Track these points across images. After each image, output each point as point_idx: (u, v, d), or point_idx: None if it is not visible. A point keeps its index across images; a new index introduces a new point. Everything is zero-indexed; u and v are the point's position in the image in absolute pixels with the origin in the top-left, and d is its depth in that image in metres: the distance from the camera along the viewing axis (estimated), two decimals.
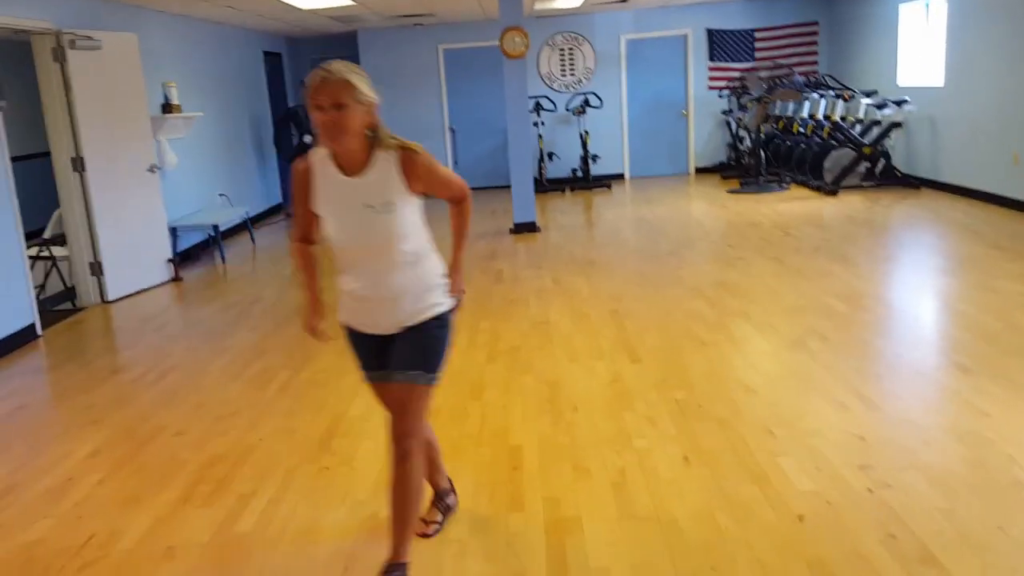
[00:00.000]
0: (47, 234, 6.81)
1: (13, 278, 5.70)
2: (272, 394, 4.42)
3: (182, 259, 8.01)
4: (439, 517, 2.94)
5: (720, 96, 12.32)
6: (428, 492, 3.04)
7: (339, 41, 12.60)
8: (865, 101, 10.02)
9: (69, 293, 6.82)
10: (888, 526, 2.75)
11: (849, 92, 10.31)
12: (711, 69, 12.42)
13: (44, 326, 5.97)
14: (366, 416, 4.02)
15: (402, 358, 2.50)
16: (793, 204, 9.30)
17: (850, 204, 9.03)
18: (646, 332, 5.04)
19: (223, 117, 9.91)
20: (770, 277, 6.13)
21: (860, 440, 3.38)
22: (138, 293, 7.03)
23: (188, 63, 8.95)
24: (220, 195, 9.52)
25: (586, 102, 12.03)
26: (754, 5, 12.14)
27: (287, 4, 8.47)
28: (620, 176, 12.68)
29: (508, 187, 8.67)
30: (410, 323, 2.50)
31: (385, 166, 2.38)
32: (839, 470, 3.14)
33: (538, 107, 11.88)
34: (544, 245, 7.98)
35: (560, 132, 12.37)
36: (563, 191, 11.78)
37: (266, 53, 11.70)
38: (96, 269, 6.71)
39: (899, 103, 9.52)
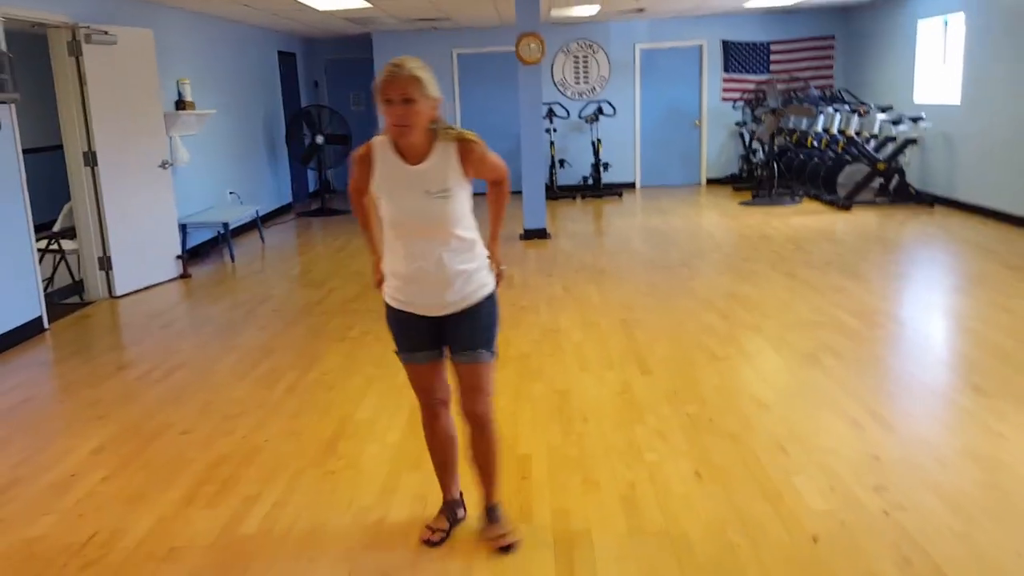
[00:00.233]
0: (57, 227, 6.80)
1: (22, 270, 5.68)
2: (279, 394, 4.38)
3: (191, 256, 7.99)
4: (446, 525, 2.90)
5: (734, 108, 12.28)
6: (438, 498, 3.01)
7: (354, 43, 12.60)
8: (880, 116, 9.97)
9: (77, 287, 6.80)
10: (903, 549, 2.70)
11: (864, 107, 10.25)
12: (725, 80, 12.38)
13: (51, 319, 5.95)
14: (373, 419, 3.98)
15: (464, 340, 2.66)
16: (806, 218, 9.24)
17: (863, 220, 8.97)
18: (657, 343, 4.99)
19: (236, 115, 9.91)
20: (782, 291, 6.08)
21: (875, 460, 3.33)
22: (146, 289, 7.01)
23: (203, 60, 8.95)
24: (230, 193, 9.51)
25: (599, 110, 12.00)
26: (770, 18, 12.10)
27: (303, 4, 8.47)
28: (631, 185, 12.64)
29: (519, 192, 8.64)
30: (464, 304, 2.63)
31: (444, 155, 2.53)
32: (853, 490, 3.09)
33: (551, 114, 11.86)
34: (554, 252, 7.94)
35: (572, 139, 12.34)
36: (574, 198, 11.74)
37: (281, 53, 11.71)
38: (105, 263, 6.69)
39: (915, 119, 9.47)
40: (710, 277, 6.68)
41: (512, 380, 4.43)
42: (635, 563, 2.68)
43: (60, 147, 6.60)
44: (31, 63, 7.77)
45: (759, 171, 11.53)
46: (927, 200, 9.65)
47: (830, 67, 12.24)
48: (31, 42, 7.95)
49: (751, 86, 12.18)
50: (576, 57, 12.36)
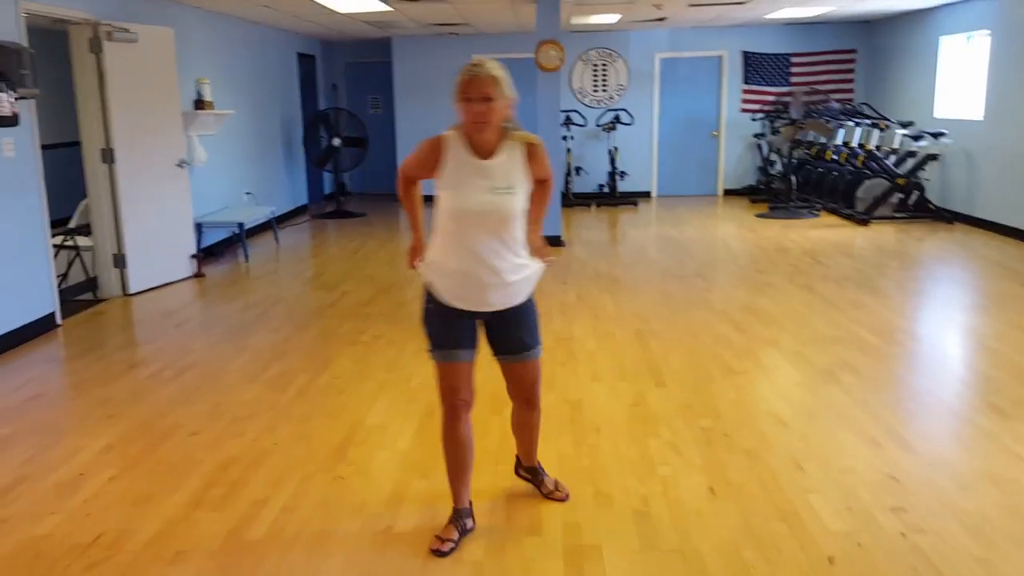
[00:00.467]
0: (73, 223, 6.81)
1: (37, 266, 5.68)
2: (290, 397, 4.35)
3: (205, 255, 7.98)
4: (455, 535, 2.85)
5: (753, 119, 12.20)
6: (447, 508, 2.97)
7: (373, 46, 12.62)
8: (901, 132, 9.88)
9: (91, 284, 6.81)
10: (921, 574, 2.63)
11: (885, 122, 10.17)
12: (745, 92, 12.31)
13: (64, 316, 5.95)
14: (384, 425, 3.94)
15: (519, 341, 2.84)
16: (823, 231, 9.16)
17: (882, 235, 8.89)
18: (672, 355, 4.94)
19: (254, 116, 9.92)
20: (800, 305, 6.01)
21: (893, 480, 3.26)
22: (160, 287, 7.01)
23: (222, 60, 8.97)
24: (246, 193, 9.51)
25: (617, 119, 11.96)
26: (792, 29, 12.03)
27: (324, 7, 8.47)
28: (647, 194, 12.58)
29: None
30: (514, 302, 2.76)
31: (512, 154, 2.68)
32: (871, 511, 3.03)
33: (568, 121, 11.82)
34: (569, 260, 7.90)
35: (589, 147, 12.30)
36: (589, 206, 11.70)
37: (300, 55, 11.73)
38: (119, 261, 6.69)
39: (936, 135, 9.37)
40: (726, 289, 6.62)
41: None
42: None
43: (78, 143, 6.61)
44: (51, 59, 7.81)
45: (776, 183, 11.46)
46: (947, 216, 9.55)
47: (851, 80, 12.15)
48: (51, 38, 7.98)
49: (771, 98, 12.11)
50: (595, 65, 12.33)
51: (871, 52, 11.92)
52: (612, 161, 11.90)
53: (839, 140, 10.52)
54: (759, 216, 10.39)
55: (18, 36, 5.44)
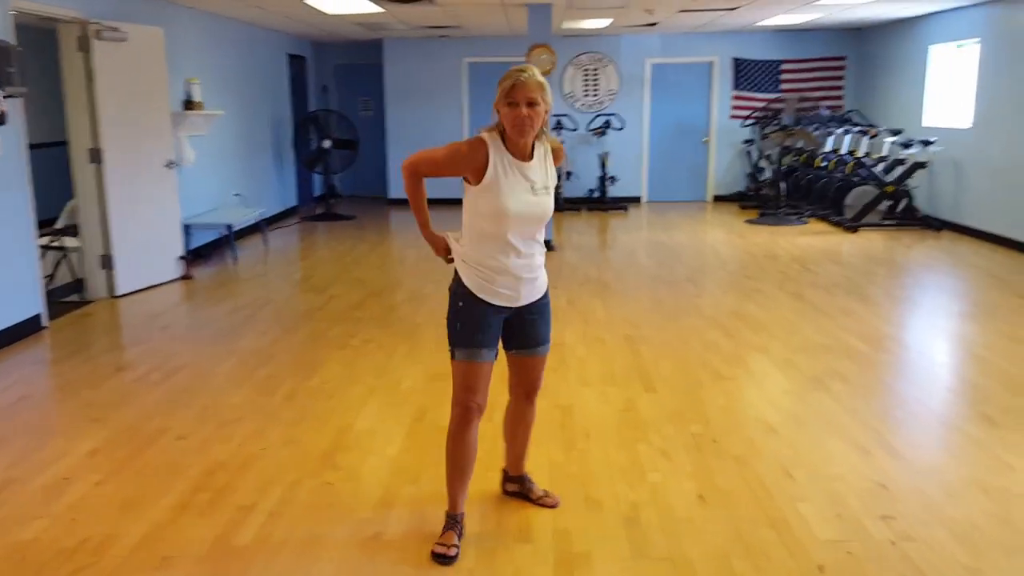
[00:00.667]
0: (59, 224, 6.75)
1: (23, 267, 5.63)
2: (278, 402, 4.32)
3: (194, 257, 7.94)
4: (456, 540, 2.84)
5: (743, 126, 12.24)
6: (437, 513, 2.95)
7: (364, 48, 12.59)
8: (890, 139, 9.93)
9: (77, 285, 6.75)
10: None
11: (874, 129, 10.22)
12: (735, 98, 12.35)
13: (51, 317, 5.90)
14: (373, 430, 3.92)
15: (539, 335, 2.95)
16: (812, 238, 9.20)
17: (870, 242, 8.93)
18: (661, 361, 4.93)
19: (244, 117, 9.88)
20: (789, 312, 6.03)
21: (882, 488, 3.27)
22: (147, 289, 6.96)
23: (212, 61, 8.93)
24: (235, 195, 9.46)
25: (607, 123, 11.97)
26: (782, 36, 12.08)
27: (314, 8, 8.45)
28: (637, 199, 12.60)
29: None
30: (536, 296, 2.88)
31: (543, 156, 2.80)
32: (861, 519, 3.03)
33: (559, 126, 11.83)
34: (559, 264, 7.89)
35: (579, 152, 12.30)
36: (579, 211, 11.70)
37: (290, 56, 11.69)
38: (106, 262, 6.64)
39: (924, 143, 9.42)
40: (716, 295, 6.62)
41: None
42: None
43: (65, 143, 6.56)
44: (39, 57, 7.76)
45: (766, 190, 11.50)
46: (935, 224, 9.60)
47: (841, 88, 12.21)
48: (39, 36, 7.92)
49: (760, 104, 12.15)
50: (586, 70, 12.34)
51: (861, 60, 11.98)
52: (603, 166, 11.91)
53: (828, 147, 10.56)
54: (748, 222, 10.42)
55: (5, 34, 5.40)
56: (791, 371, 4.74)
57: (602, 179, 11.94)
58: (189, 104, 8.11)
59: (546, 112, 2.72)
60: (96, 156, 6.48)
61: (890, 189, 9.69)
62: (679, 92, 12.40)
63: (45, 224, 6.49)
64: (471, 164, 2.69)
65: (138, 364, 5.00)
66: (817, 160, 10.70)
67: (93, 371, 4.86)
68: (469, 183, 2.73)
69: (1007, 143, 8.42)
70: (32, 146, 5.94)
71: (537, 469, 3.41)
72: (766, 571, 2.70)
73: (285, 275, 7.77)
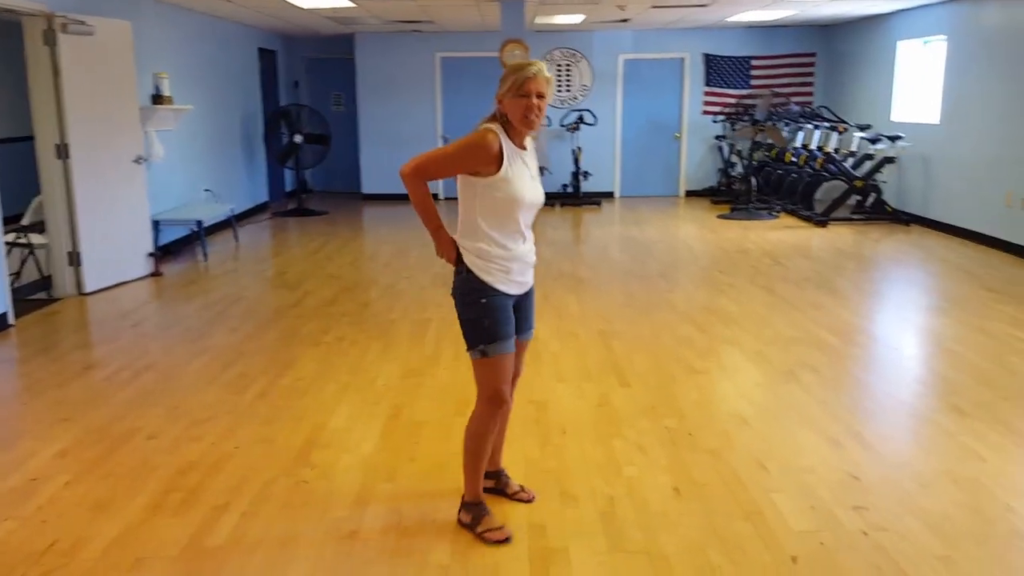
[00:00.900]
0: (25, 220, 6.64)
1: None
2: (250, 400, 4.28)
3: (163, 254, 7.84)
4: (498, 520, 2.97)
5: (715, 121, 12.31)
6: (413, 510, 2.93)
7: (336, 42, 12.50)
8: (859, 135, 10.04)
9: (45, 283, 6.64)
10: (884, 572, 2.67)
11: (843, 125, 10.32)
12: (706, 94, 12.42)
13: (17, 315, 5.80)
14: (348, 428, 3.90)
15: (531, 317, 3.04)
16: (783, 233, 9.28)
17: (839, 236, 9.02)
18: (635, 355, 4.95)
19: (213, 112, 9.76)
20: (760, 306, 6.07)
21: (855, 480, 3.30)
22: (116, 286, 6.86)
23: (182, 55, 8.81)
24: (205, 190, 9.36)
25: (580, 119, 11.99)
26: (752, 32, 12.16)
27: (286, 2, 8.36)
28: (610, 194, 12.64)
29: None
30: (532, 280, 2.97)
31: (532, 145, 2.92)
32: (833, 510, 3.06)
33: None
34: None
35: (553, 147, 12.30)
36: (553, 206, 11.71)
37: (261, 50, 11.57)
38: (74, 259, 6.54)
39: (893, 138, 9.54)
40: (688, 290, 6.66)
41: None
42: None
43: (31, 138, 6.44)
44: (3, 50, 7.61)
45: (737, 185, 11.58)
46: (903, 219, 9.72)
47: (810, 84, 12.33)
48: (2, 28, 7.77)
49: (732, 100, 12.23)
50: (559, 65, 12.35)
51: (830, 56, 12.10)
52: (576, 161, 11.93)
53: (799, 143, 10.65)
54: (720, 217, 10.48)
55: None
56: (763, 364, 4.78)
57: (575, 174, 11.96)
58: (158, 99, 8.00)
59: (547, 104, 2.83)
60: (63, 151, 6.37)
61: (859, 184, 9.80)
62: (651, 88, 12.45)
63: (11, 220, 6.38)
64: (490, 155, 2.72)
65: (107, 363, 4.93)
66: (787, 155, 10.79)
67: (61, 370, 4.78)
68: (479, 176, 2.72)
69: (975, 139, 8.55)
70: None
71: (513, 464, 3.41)
72: (741, 563, 2.72)
73: (256, 272, 7.69)
